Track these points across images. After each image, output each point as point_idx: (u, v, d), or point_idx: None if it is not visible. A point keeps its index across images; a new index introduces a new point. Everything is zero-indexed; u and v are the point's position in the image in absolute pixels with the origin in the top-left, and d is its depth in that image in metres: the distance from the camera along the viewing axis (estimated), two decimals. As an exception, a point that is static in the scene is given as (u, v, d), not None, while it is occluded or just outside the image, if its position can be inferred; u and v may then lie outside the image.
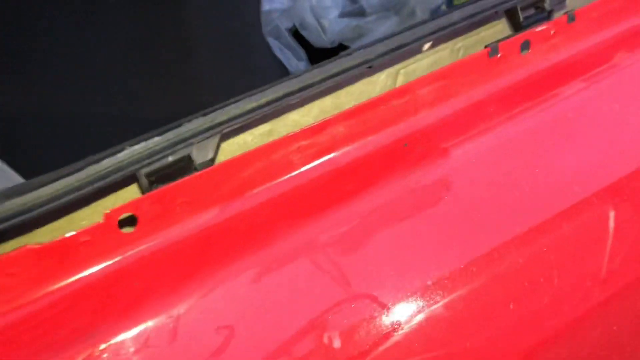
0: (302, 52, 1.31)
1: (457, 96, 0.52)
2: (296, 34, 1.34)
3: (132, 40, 1.18)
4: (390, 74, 0.52)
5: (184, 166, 0.44)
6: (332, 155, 0.48)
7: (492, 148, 0.51)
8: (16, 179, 0.64)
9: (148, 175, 0.42)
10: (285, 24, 1.30)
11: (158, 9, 1.19)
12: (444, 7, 1.19)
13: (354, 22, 1.25)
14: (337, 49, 1.35)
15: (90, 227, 0.40)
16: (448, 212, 0.47)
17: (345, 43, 1.37)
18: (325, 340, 0.43)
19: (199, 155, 0.44)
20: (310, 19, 1.25)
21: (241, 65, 1.19)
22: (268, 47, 1.25)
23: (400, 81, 0.53)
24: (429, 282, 0.45)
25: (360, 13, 1.27)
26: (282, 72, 1.33)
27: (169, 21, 1.19)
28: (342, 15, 1.27)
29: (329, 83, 0.47)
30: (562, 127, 0.54)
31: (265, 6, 1.27)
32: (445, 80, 0.52)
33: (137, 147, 0.41)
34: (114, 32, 1.18)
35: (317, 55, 1.34)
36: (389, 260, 0.45)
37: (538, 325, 0.47)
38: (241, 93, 1.20)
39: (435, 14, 1.26)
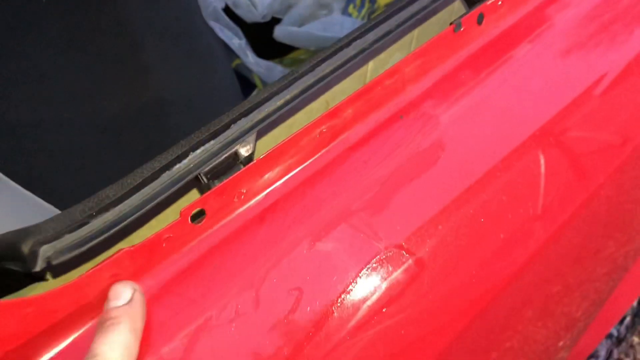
0: (239, 30, 1.36)
1: (435, 69, 0.62)
2: (230, 12, 1.39)
3: (74, 40, 1.18)
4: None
5: (231, 162, 0.51)
6: (346, 134, 0.56)
7: (470, 108, 0.61)
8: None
9: (206, 174, 0.49)
10: (220, 4, 1.35)
11: (96, 6, 1.20)
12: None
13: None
14: (270, 23, 1.41)
15: (169, 225, 0.47)
16: (445, 167, 0.58)
17: (277, 16, 1.43)
18: (371, 289, 0.52)
19: (243, 151, 0.51)
20: (240, -4, 1.30)
21: (189, 50, 1.23)
22: (211, 30, 1.29)
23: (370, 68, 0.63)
24: (440, 227, 0.56)
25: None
26: (228, 53, 1.37)
27: (108, 17, 1.20)
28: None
29: (336, 73, 0.55)
30: (515, 82, 0.65)
31: (201, -11, 1.30)
32: (423, 57, 0.61)
33: (197, 151, 0.48)
34: (52, 34, 1.18)
35: (251, 31, 1.40)
36: (409, 213, 0.55)
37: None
38: (192, 78, 1.24)
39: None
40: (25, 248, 0.43)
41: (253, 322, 0.47)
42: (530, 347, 0.74)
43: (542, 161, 0.62)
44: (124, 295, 0.43)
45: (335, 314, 0.50)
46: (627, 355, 1.53)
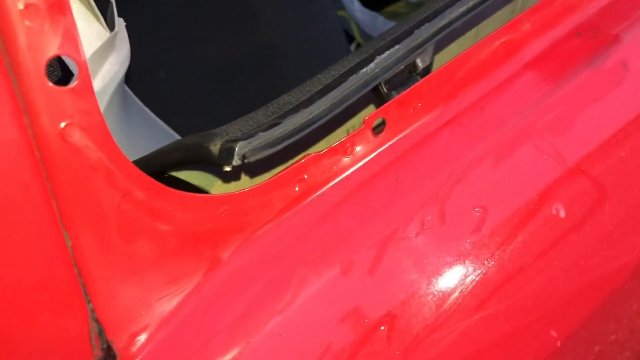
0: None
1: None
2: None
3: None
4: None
5: (409, 74, 0.48)
6: (526, 48, 0.52)
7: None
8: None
9: (386, 83, 0.47)
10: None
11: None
12: None
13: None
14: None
15: (352, 134, 0.45)
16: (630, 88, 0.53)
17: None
18: (554, 211, 0.49)
19: (420, 62, 0.48)
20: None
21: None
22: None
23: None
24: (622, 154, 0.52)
25: None
26: (333, 2, 1.34)
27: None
28: None
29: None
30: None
31: None
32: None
33: (383, 55, 0.45)
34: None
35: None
36: (591, 130, 0.51)
37: None
38: (301, 24, 1.21)
39: None
40: (215, 148, 0.41)
41: (440, 236, 0.45)
42: (637, 339, 0.69)
43: None
44: None
45: (519, 237, 0.47)
46: None
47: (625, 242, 0.54)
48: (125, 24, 0.63)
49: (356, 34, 1.45)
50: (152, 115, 0.75)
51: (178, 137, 0.81)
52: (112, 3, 0.61)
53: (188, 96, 1.07)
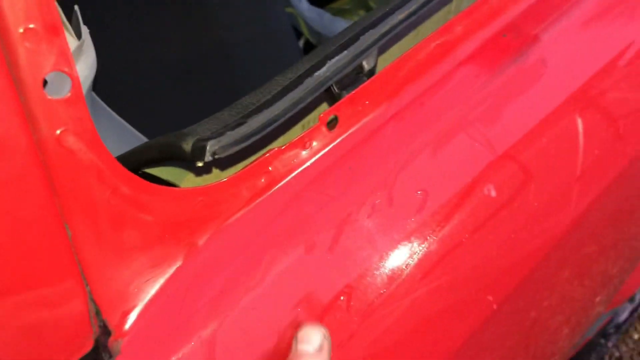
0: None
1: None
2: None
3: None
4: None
5: (356, 75, 0.54)
6: (459, 49, 0.59)
7: (568, 28, 0.64)
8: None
9: (336, 84, 0.53)
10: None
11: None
12: None
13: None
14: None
15: (309, 130, 0.51)
16: (549, 81, 0.61)
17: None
18: (486, 192, 0.56)
19: (366, 64, 0.55)
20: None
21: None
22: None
23: None
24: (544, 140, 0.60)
25: None
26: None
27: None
28: None
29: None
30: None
31: None
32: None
33: (333, 60, 0.51)
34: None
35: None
36: (517, 120, 0.58)
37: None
38: (253, 22, 1.26)
39: None
40: (187, 146, 0.47)
41: (388, 217, 0.51)
42: (567, 304, 0.77)
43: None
44: (314, 340, 0.41)
45: (457, 215, 0.54)
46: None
47: (550, 217, 0.62)
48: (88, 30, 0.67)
49: (304, 30, 1.50)
50: (118, 117, 0.79)
51: (144, 138, 0.85)
52: (76, 11, 0.65)
53: (147, 95, 1.10)
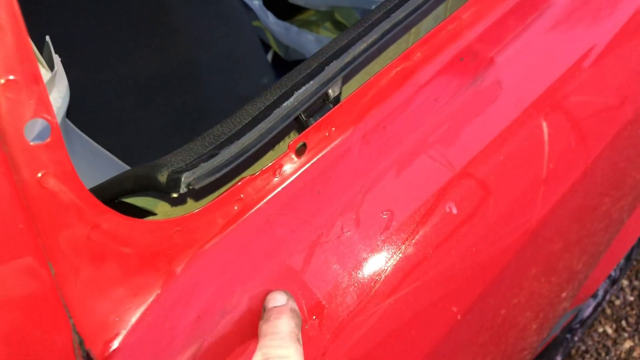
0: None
1: (489, 14, 0.68)
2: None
3: (101, 4, 1.21)
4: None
5: (323, 102, 0.57)
6: (419, 74, 0.62)
7: (519, 50, 0.68)
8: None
9: (304, 112, 0.56)
10: (237, -34, 1.38)
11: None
12: None
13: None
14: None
15: (279, 158, 0.54)
16: (504, 101, 0.64)
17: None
18: (447, 209, 0.59)
19: (332, 92, 0.57)
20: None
21: (216, 12, 1.27)
22: (233, -9, 1.33)
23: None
24: (501, 157, 0.63)
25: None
26: (248, 14, 1.41)
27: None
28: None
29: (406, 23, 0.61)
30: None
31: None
32: (478, 5, 0.67)
33: (300, 90, 0.54)
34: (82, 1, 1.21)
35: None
36: (476, 139, 0.62)
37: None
38: (221, 39, 1.28)
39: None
40: (162, 178, 0.49)
41: (357, 237, 0.54)
42: (536, 301, 0.81)
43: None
44: (280, 298, 0.48)
45: (420, 232, 0.57)
46: (617, 297, 1.67)
47: (513, 222, 0.65)
48: (60, 58, 0.68)
49: (272, 43, 1.53)
50: (90, 140, 0.80)
51: (117, 160, 0.86)
52: (48, 42, 0.66)
53: (117, 114, 1.11)
